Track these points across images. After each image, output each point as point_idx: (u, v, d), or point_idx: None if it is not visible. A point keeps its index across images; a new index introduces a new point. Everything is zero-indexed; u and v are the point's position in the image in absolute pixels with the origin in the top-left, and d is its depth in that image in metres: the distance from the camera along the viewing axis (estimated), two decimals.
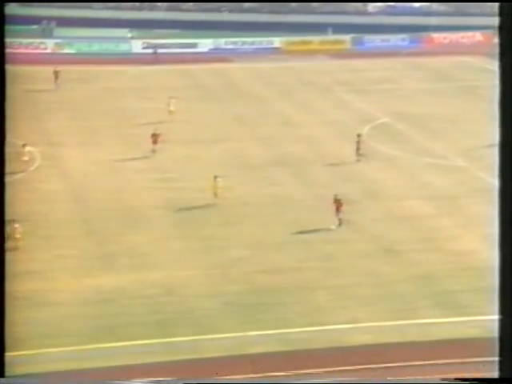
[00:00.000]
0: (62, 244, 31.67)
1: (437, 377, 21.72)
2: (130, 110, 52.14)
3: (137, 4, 78.87)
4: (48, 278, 28.75)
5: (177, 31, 74.29)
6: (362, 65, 68.04)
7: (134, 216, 34.83)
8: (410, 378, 20.91)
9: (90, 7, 76.62)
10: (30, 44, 68.91)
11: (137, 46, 70.78)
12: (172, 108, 49.07)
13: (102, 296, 27.51)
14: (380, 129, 49.33)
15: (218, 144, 45.63)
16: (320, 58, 70.56)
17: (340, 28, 74.80)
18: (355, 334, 25.36)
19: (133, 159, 42.68)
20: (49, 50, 69.01)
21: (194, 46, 71.99)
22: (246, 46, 73.14)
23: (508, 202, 11.91)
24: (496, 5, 12.41)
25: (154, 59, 66.59)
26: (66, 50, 69.22)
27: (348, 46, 74.94)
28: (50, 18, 72.83)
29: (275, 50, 72.78)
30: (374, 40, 75.80)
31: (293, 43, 73.87)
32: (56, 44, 69.71)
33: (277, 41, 73.77)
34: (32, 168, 40.66)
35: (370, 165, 42.32)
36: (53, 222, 33.93)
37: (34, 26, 71.78)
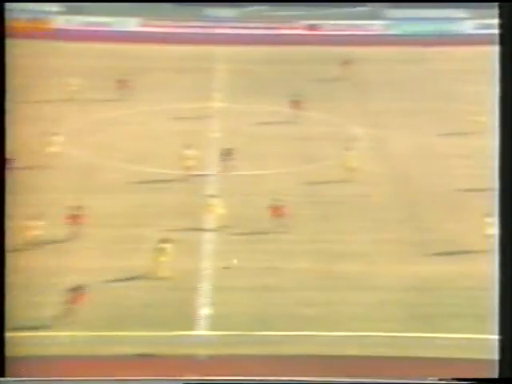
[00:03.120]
0: (382, 227, 32.36)
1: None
2: (451, 93, 51.27)
3: None
4: (368, 262, 29.63)
5: None
6: None
7: (454, 202, 34.42)
8: (409, 378, 19.75)
9: None
10: (357, 26, 70.42)
11: (468, 27, 69.53)
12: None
13: (418, 283, 27.70)
14: None
15: None
16: None
17: None
18: None
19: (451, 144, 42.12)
20: (375, 32, 70.14)
21: None
22: None
23: None
24: None
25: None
26: (392, 31, 69.84)
27: None
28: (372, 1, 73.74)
29: None
30: None
31: None
32: (382, 25, 70.67)
33: None
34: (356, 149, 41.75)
35: None
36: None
37: (362, 8, 73.24)
